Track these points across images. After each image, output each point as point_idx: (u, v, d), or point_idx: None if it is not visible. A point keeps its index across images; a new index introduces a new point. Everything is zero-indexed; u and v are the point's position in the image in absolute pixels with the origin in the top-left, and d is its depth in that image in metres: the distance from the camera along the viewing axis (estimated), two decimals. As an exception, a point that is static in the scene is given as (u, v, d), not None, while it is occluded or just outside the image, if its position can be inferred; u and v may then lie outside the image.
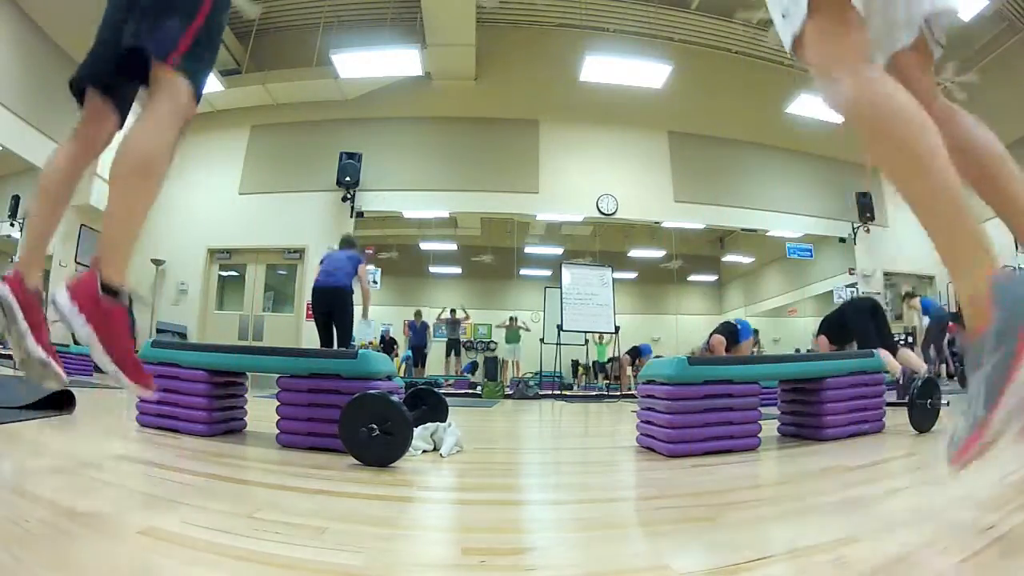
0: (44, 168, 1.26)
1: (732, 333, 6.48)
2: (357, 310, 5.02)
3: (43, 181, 1.26)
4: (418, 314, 10.36)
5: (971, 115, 1.05)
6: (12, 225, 7.46)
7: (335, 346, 4.86)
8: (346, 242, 5.48)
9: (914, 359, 4.07)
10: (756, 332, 11.63)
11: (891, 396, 3.10)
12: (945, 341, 7.83)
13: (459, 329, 11.01)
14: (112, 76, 1.25)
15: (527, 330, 10.96)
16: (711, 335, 6.54)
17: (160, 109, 1.17)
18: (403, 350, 10.49)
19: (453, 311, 10.93)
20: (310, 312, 5.76)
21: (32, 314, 1.10)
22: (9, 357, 6.00)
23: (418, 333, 10.17)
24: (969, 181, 0.98)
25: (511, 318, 11.15)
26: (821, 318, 4.80)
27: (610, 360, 9.91)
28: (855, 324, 4.21)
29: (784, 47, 0.99)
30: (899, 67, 1.04)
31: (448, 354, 10.77)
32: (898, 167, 0.84)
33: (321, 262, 5.16)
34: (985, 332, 0.69)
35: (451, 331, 10.84)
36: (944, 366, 7.86)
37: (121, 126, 1.31)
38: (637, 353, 9.99)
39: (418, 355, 10.13)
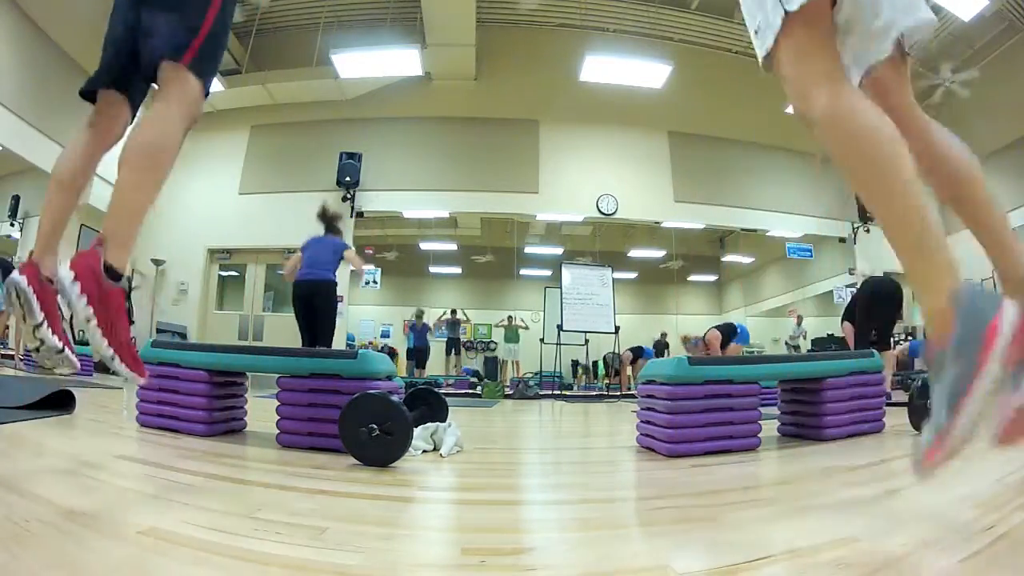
0: (58, 159, 1.27)
1: (730, 333, 6.50)
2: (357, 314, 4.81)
3: (56, 171, 1.27)
4: (419, 315, 10.33)
5: (949, 132, 1.06)
6: (12, 225, 7.45)
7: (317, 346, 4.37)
8: (328, 222, 4.60)
9: (889, 363, 4.13)
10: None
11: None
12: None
13: (459, 329, 11.00)
14: (123, 74, 1.26)
15: (526, 328, 10.96)
16: (709, 330, 6.55)
17: (171, 103, 1.19)
18: (402, 351, 10.48)
19: (454, 311, 10.92)
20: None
21: (47, 303, 1.10)
22: (9, 357, 5.99)
23: (419, 335, 10.14)
24: (944, 199, 1.01)
25: (509, 317, 11.15)
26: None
27: (612, 356, 9.91)
28: (880, 314, 4.22)
29: (758, 60, 0.99)
30: (875, 81, 1.05)
31: (448, 352, 10.77)
32: (867, 185, 0.86)
33: (303, 249, 4.44)
34: (947, 343, 0.70)
35: (451, 330, 10.83)
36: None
37: (133, 119, 1.33)
38: (640, 353, 9.99)
39: (419, 357, 10.10)
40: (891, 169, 0.82)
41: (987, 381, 0.66)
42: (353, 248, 4.79)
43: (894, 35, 0.97)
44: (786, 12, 0.89)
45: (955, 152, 1.02)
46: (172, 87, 1.21)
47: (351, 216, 8.92)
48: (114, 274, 1.07)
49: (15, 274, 1.13)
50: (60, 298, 1.09)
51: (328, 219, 4.60)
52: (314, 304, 4.33)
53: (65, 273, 1.01)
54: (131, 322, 1.09)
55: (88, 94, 1.30)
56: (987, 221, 0.98)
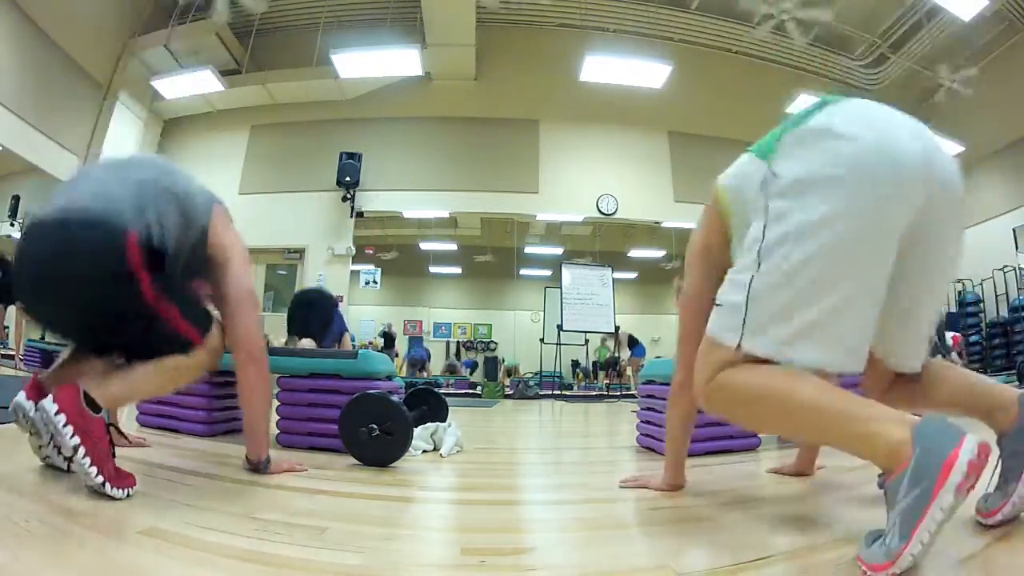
0: None
1: None
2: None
3: None
4: (413, 361, 10.40)
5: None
6: (12, 225, 7.45)
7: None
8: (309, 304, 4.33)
9: None
10: None
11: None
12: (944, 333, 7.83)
13: (455, 369, 10.92)
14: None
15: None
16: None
17: (199, 354, 1.35)
18: (402, 352, 10.51)
19: (453, 366, 10.83)
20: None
21: (66, 402, 1.10)
22: (10, 357, 5.98)
23: (417, 345, 10.20)
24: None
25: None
26: None
27: (612, 355, 9.92)
28: None
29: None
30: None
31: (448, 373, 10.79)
32: (783, 428, 1.00)
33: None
34: (903, 471, 0.73)
35: (450, 369, 10.79)
36: (942, 357, 7.85)
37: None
38: (635, 342, 9.99)
39: (419, 365, 10.17)
40: (789, 408, 0.89)
41: (941, 510, 0.68)
42: (348, 336, 4.43)
43: None
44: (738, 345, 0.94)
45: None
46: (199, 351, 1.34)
47: (351, 216, 8.92)
48: (96, 406, 1.11)
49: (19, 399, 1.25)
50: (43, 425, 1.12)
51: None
52: (307, 310, 4.05)
53: (50, 407, 1.04)
54: (113, 450, 1.13)
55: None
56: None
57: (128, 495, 1.10)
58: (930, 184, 0.90)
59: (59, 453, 1.14)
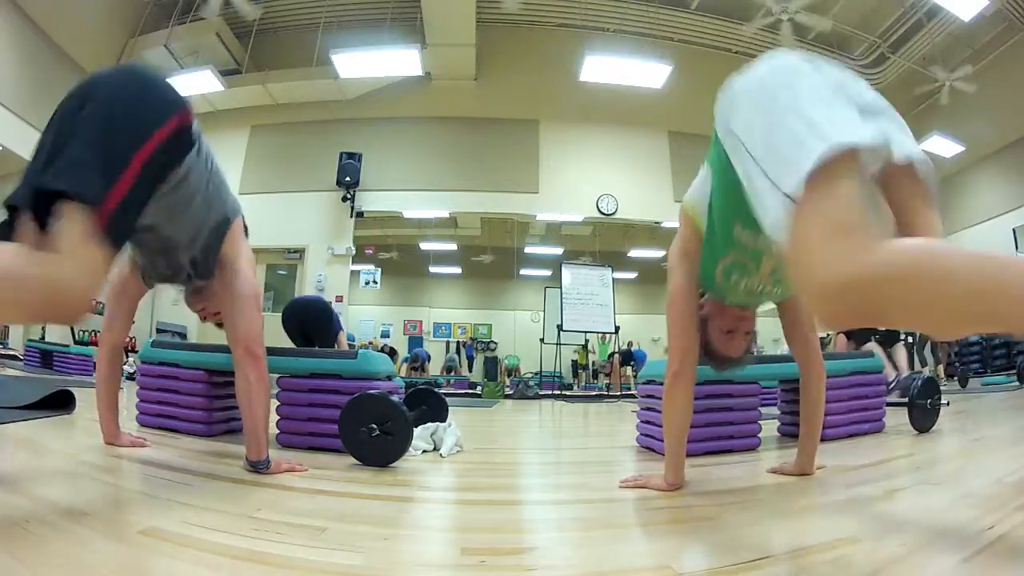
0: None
1: None
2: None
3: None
4: (416, 359, 10.43)
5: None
6: (12, 225, 7.45)
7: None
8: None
9: (902, 359, 4.06)
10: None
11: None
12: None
13: (455, 370, 10.93)
14: None
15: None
16: None
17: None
18: (402, 352, 10.52)
19: (451, 368, 10.81)
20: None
21: None
22: (11, 357, 5.98)
23: (417, 345, 10.23)
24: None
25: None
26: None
27: (611, 356, 9.93)
28: None
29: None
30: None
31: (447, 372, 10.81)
32: (951, 311, 0.65)
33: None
34: None
35: (449, 368, 10.81)
36: (942, 367, 7.85)
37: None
38: (630, 357, 9.95)
39: (420, 365, 10.19)
40: (959, 283, 0.62)
41: None
42: (344, 335, 4.52)
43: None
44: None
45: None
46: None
47: (351, 216, 8.92)
48: None
49: None
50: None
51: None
52: (304, 321, 4.12)
53: None
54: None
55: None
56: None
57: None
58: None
59: None
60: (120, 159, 1.00)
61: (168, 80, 1.20)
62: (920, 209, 0.90)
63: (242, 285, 1.46)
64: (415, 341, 12.26)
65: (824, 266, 0.69)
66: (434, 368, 10.97)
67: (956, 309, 0.63)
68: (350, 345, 4.88)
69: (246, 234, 1.59)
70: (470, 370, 11.56)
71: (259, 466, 1.47)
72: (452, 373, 10.79)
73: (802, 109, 0.83)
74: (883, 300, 0.66)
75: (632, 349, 10.24)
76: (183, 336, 8.54)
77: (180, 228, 1.34)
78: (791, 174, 0.76)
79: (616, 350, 9.17)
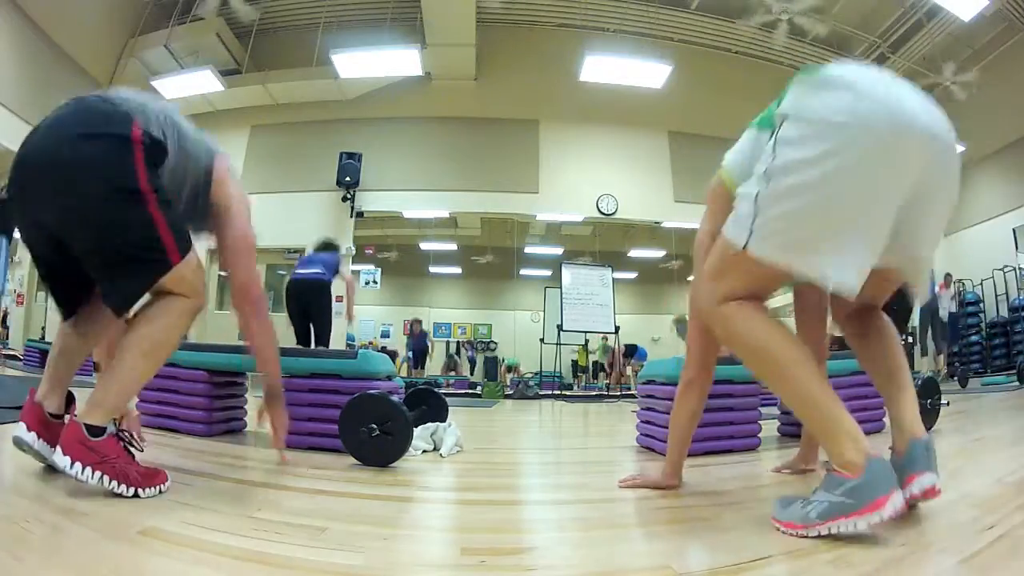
0: (55, 340, 1.43)
1: None
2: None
3: (56, 343, 1.42)
4: (417, 322, 10.31)
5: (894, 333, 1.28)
6: (12, 225, 7.46)
7: (313, 346, 4.39)
8: (325, 246, 4.86)
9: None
10: None
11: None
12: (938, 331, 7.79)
13: (425, 339, 10.73)
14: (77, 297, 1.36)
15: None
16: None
17: (175, 307, 1.25)
18: (402, 353, 10.48)
19: (418, 321, 10.65)
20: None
21: (54, 439, 1.15)
22: (12, 357, 6.00)
23: (418, 340, 10.14)
24: (876, 377, 1.25)
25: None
26: None
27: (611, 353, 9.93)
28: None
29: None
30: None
31: (415, 366, 10.65)
32: (774, 384, 1.06)
33: (297, 261, 4.66)
34: (846, 480, 0.91)
35: (417, 342, 10.57)
36: (943, 356, 7.82)
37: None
38: (634, 351, 9.97)
39: (419, 358, 10.11)
40: (789, 374, 1.02)
41: (860, 524, 0.89)
42: (351, 273, 4.85)
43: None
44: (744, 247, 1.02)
45: (894, 353, 1.23)
46: (173, 296, 1.24)
47: (351, 216, 8.92)
48: (98, 430, 1.12)
49: (18, 430, 1.26)
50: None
51: (327, 245, 4.81)
52: (308, 303, 4.36)
53: (62, 460, 1.07)
54: (131, 454, 1.16)
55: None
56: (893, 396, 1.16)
57: (160, 491, 1.15)
58: (931, 144, 0.97)
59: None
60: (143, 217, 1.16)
61: (102, 107, 1.21)
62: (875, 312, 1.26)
63: (233, 233, 1.44)
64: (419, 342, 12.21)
65: (701, 292, 1.13)
66: (434, 367, 10.96)
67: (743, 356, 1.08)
68: (349, 346, 4.92)
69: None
70: (471, 372, 11.54)
71: (276, 392, 1.50)
72: (453, 372, 10.76)
73: (825, 202, 0.94)
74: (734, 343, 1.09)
75: (634, 345, 10.25)
76: (183, 336, 8.54)
77: (183, 202, 1.35)
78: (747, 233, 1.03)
79: (619, 344, 9.15)
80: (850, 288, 0.94)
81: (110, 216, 1.13)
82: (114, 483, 1.08)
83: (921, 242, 1.06)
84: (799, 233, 0.96)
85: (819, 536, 0.90)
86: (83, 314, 1.38)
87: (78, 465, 1.07)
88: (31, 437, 1.25)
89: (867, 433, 2.43)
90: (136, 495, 1.10)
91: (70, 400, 1.40)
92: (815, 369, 0.99)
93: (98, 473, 1.08)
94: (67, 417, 1.27)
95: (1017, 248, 8.67)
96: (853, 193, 0.93)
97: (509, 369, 10.97)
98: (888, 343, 1.21)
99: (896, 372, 1.17)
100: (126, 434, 1.21)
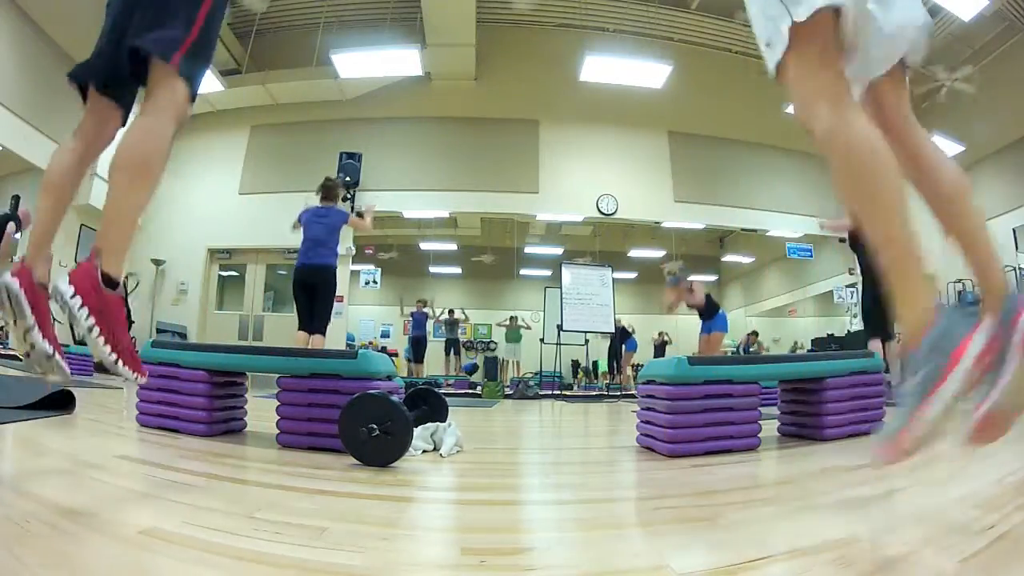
0: (49, 164, 1.29)
1: (714, 308, 6.21)
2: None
3: (48, 177, 1.28)
4: (422, 302, 10.34)
5: (941, 150, 1.10)
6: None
7: (313, 328, 4.40)
8: (326, 192, 4.57)
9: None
10: (756, 333, 11.59)
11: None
12: None
13: (458, 329, 10.99)
14: (113, 75, 1.26)
15: (528, 328, 10.96)
16: (700, 282, 6.35)
17: (159, 110, 1.21)
18: (402, 353, 10.49)
19: (451, 311, 10.91)
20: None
21: (39, 307, 1.11)
22: (11, 357, 6.01)
23: (418, 321, 10.12)
24: (932, 211, 1.07)
25: (511, 317, 11.14)
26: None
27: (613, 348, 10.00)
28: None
29: (768, 70, 1.02)
30: (875, 94, 1.11)
31: (448, 353, 10.76)
32: (858, 203, 0.94)
33: (299, 223, 4.50)
34: (920, 347, 0.82)
35: (450, 331, 10.81)
36: None
37: (124, 124, 1.34)
38: (625, 336, 10.03)
39: (418, 348, 10.09)
40: (881, 193, 0.90)
41: (952, 384, 0.78)
42: (352, 214, 4.84)
43: (894, 58, 1.02)
44: (793, 22, 0.93)
45: (945, 169, 1.07)
46: (161, 92, 1.21)
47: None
48: (111, 282, 1.10)
49: (6, 276, 1.14)
50: (53, 303, 1.10)
51: (327, 189, 4.59)
52: (314, 288, 4.40)
53: (65, 288, 1.04)
54: (130, 323, 1.11)
55: (80, 88, 1.30)
56: (969, 237, 1.03)
57: (138, 381, 1.13)
58: None
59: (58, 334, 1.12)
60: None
61: None
62: (905, 121, 1.09)
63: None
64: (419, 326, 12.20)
65: (813, 120, 0.94)
66: (434, 367, 10.96)
67: (855, 196, 0.92)
68: (349, 346, 4.93)
69: None
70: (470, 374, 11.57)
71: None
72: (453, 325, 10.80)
73: None
74: (830, 156, 0.93)
75: (628, 329, 10.29)
76: (183, 336, 8.55)
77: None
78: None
79: (614, 331, 9.14)
80: None
81: None
82: (101, 340, 1.05)
83: None
84: None
85: (926, 433, 0.79)
86: (96, 107, 1.31)
87: (78, 299, 1.03)
88: (17, 286, 1.13)
89: (867, 433, 2.43)
90: (116, 362, 1.07)
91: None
92: (907, 200, 0.90)
93: (91, 321, 1.04)
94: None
95: (1017, 248, 8.66)
96: None
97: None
98: (927, 170, 1.06)
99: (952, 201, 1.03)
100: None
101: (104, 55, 1.27)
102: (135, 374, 1.12)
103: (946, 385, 0.78)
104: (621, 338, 9.82)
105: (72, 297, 1.03)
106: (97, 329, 1.05)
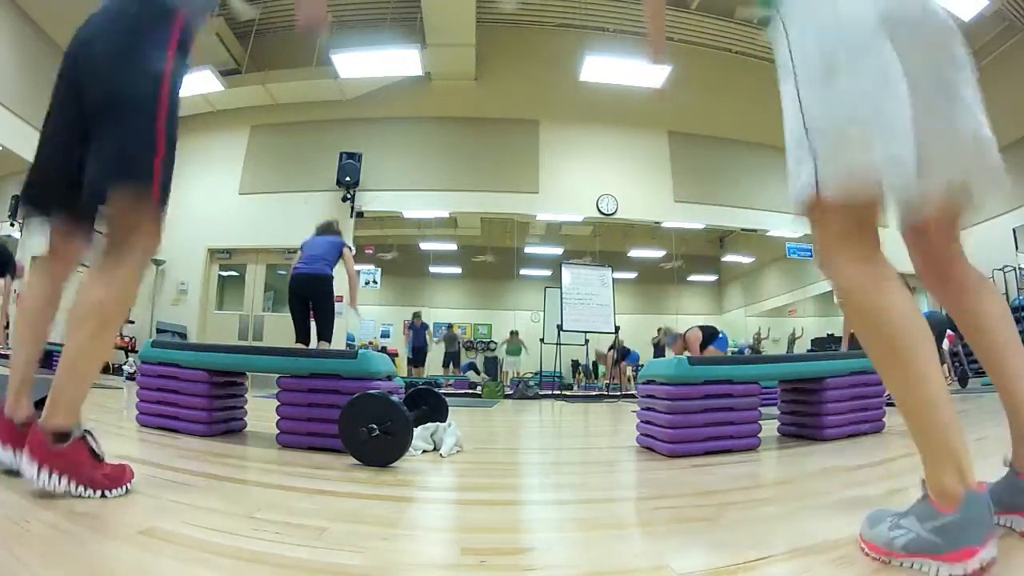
0: (22, 297, 1.29)
1: (711, 336, 6.40)
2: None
3: (23, 304, 1.29)
4: (417, 315, 10.37)
5: (989, 286, 1.02)
6: (12, 225, 7.45)
7: (313, 340, 4.43)
8: (326, 228, 4.85)
9: None
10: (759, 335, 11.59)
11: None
12: (944, 346, 7.79)
13: (457, 343, 11.04)
14: (72, 205, 1.23)
15: (526, 349, 10.92)
16: (691, 329, 6.45)
17: (133, 263, 1.20)
18: (402, 353, 10.50)
19: (450, 326, 10.98)
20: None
21: (33, 451, 1.10)
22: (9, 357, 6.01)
23: (418, 334, 10.17)
24: (978, 355, 1.01)
25: (512, 332, 11.08)
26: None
27: (609, 348, 9.97)
28: None
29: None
30: (920, 232, 1.02)
31: (446, 365, 10.79)
32: (880, 369, 0.88)
33: (300, 249, 4.63)
34: (941, 514, 0.80)
35: (449, 344, 10.85)
36: (943, 366, 7.83)
37: (89, 238, 1.30)
38: (625, 355, 9.99)
39: (418, 355, 10.14)
40: (904, 361, 0.84)
41: (936, 569, 0.78)
42: (352, 249, 4.88)
43: (939, 194, 0.93)
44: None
45: (996, 315, 0.99)
46: (136, 240, 1.20)
47: (351, 216, 8.92)
48: (64, 435, 1.10)
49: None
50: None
51: (327, 227, 4.83)
52: (309, 297, 4.42)
53: (28, 467, 1.06)
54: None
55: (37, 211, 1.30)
56: (1010, 385, 0.97)
57: (127, 490, 1.14)
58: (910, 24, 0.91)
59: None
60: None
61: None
62: (953, 257, 1.02)
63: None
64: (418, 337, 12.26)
65: (833, 274, 0.90)
66: (434, 367, 10.96)
67: (875, 359, 0.88)
68: (349, 345, 4.94)
69: None
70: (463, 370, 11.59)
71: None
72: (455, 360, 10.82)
73: (844, 101, 0.85)
74: (849, 316, 0.91)
75: (627, 348, 10.28)
76: (183, 336, 8.54)
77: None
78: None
79: (614, 345, 9.16)
80: (907, 169, 0.82)
81: (127, 108, 1.18)
82: (80, 488, 1.08)
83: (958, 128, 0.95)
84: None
85: (900, 566, 0.82)
86: (57, 236, 1.31)
87: (44, 472, 1.07)
88: (8, 456, 1.18)
89: (867, 433, 2.43)
90: (103, 496, 1.10)
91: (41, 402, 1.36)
92: (936, 364, 0.84)
93: (65, 480, 1.07)
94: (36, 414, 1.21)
95: (1017, 248, 8.66)
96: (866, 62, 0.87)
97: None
98: (976, 304, 0.98)
99: (999, 349, 0.94)
100: (87, 434, 1.16)
101: (57, 186, 1.25)
102: (123, 487, 1.15)
103: (936, 566, 0.78)
104: (622, 356, 9.81)
105: (39, 474, 1.06)
106: (74, 483, 1.08)
